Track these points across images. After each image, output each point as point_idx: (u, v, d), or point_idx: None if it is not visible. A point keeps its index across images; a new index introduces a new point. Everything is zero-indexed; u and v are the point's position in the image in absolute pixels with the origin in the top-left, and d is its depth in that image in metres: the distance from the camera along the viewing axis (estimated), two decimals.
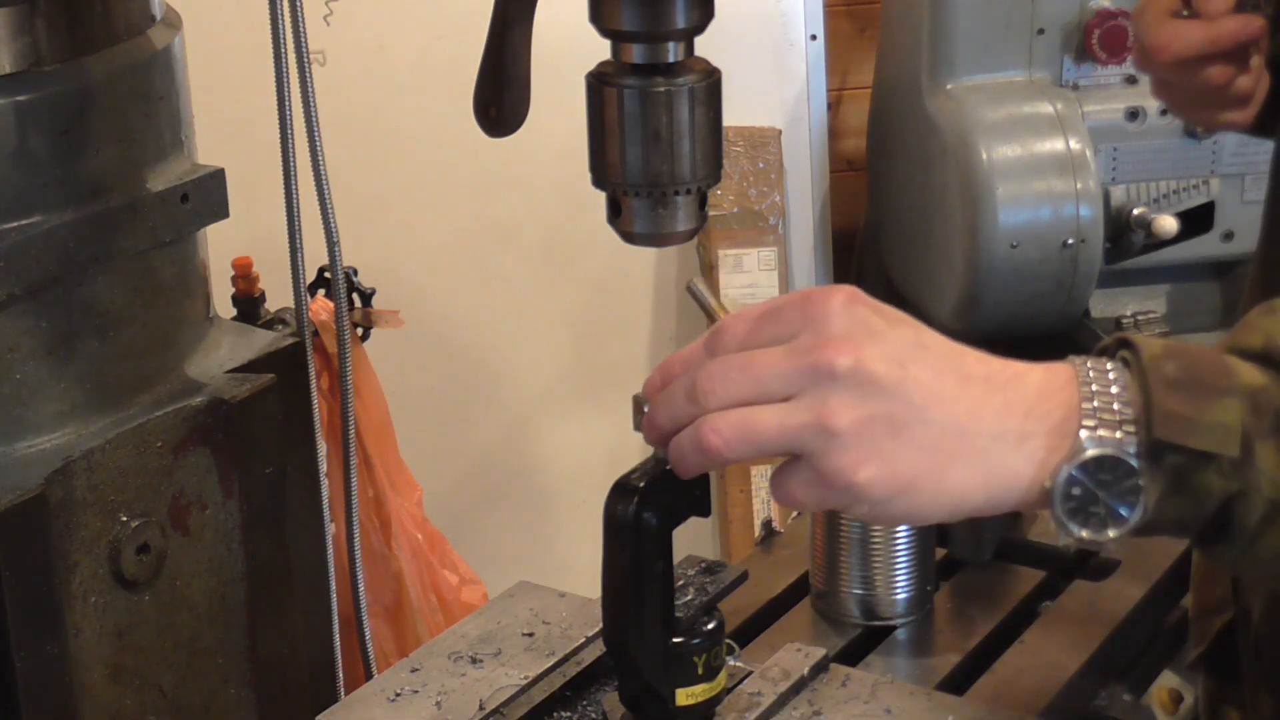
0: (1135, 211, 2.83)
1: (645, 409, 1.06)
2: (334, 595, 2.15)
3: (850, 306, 0.99)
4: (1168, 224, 2.81)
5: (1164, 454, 0.96)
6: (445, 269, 3.26)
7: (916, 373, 0.97)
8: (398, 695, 1.41)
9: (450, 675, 1.43)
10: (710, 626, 1.30)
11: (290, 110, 2.06)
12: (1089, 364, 0.99)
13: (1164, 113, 2.84)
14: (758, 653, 1.48)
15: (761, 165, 3.18)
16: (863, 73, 3.42)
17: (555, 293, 3.32)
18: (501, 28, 1.28)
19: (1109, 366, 0.99)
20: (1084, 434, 0.96)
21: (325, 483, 2.15)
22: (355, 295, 2.45)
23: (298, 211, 2.10)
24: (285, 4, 1.99)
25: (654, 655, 1.27)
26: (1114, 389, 0.97)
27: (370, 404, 2.45)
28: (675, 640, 1.28)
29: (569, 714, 1.41)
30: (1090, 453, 0.96)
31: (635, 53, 1.23)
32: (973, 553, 1.69)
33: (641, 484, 1.22)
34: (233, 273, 2.26)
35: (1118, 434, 0.96)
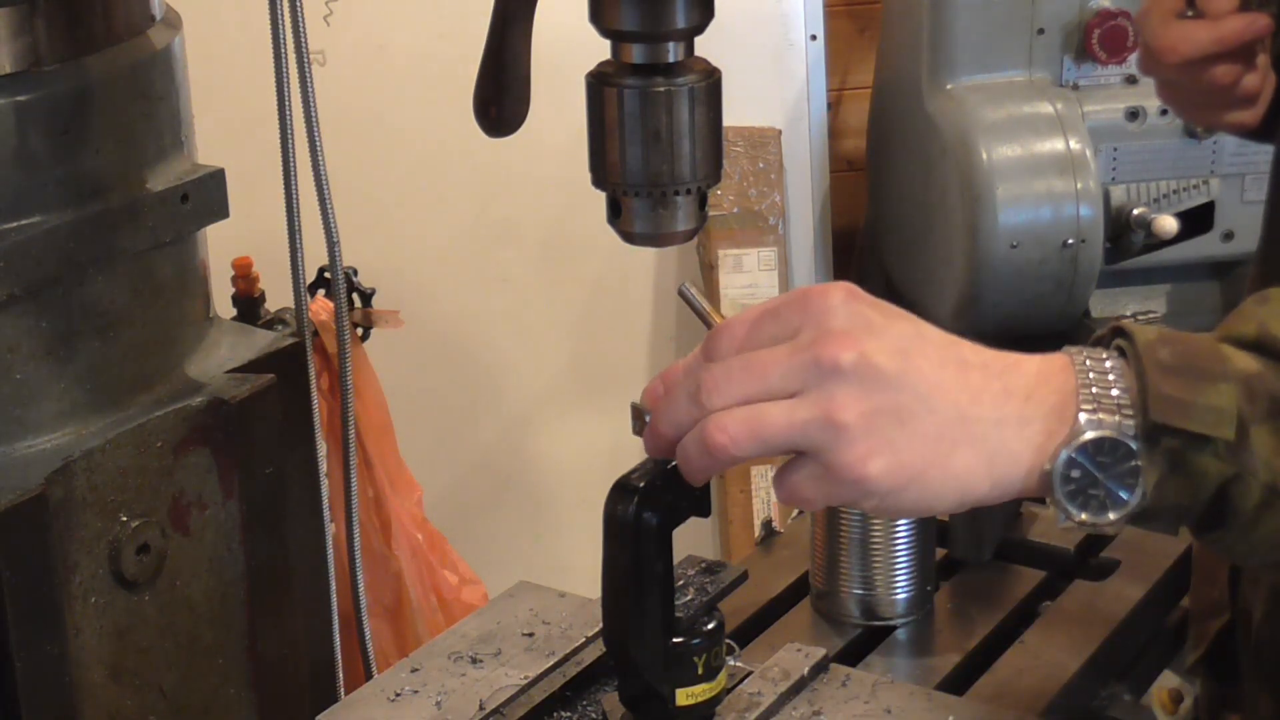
0: (1135, 211, 2.83)
1: (646, 419, 1.06)
2: (334, 595, 2.15)
3: (849, 302, 0.99)
4: (1168, 224, 2.81)
5: (1161, 436, 0.97)
6: (445, 269, 3.26)
7: (918, 363, 0.98)
8: (398, 695, 1.41)
9: (450, 675, 1.43)
10: (710, 626, 1.30)
11: (290, 110, 2.06)
12: (1085, 352, 1.00)
13: (1164, 113, 2.84)
14: (758, 653, 1.49)
15: (761, 165, 3.18)
16: (863, 73, 3.42)
17: (555, 293, 3.32)
18: (501, 27, 1.28)
19: (1105, 354, 1.00)
20: (1083, 417, 0.97)
21: (325, 483, 2.15)
22: (355, 295, 2.46)
23: (298, 211, 2.10)
24: (285, 4, 1.99)
25: (654, 655, 1.27)
26: (1110, 375, 0.98)
27: (370, 404, 2.46)
28: (675, 640, 1.28)
29: (569, 714, 1.41)
30: (1089, 435, 0.97)
31: (635, 53, 1.23)
32: (973, 553, 1.69)
33: (641, 484, 1.22)
34: (233, 273, 2.26)
35: (1116, 417, 0.97)
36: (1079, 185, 2.77)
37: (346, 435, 2.24)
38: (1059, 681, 1.50)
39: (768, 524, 1.78)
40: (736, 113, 2.73)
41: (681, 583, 1.31)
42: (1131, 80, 2.87)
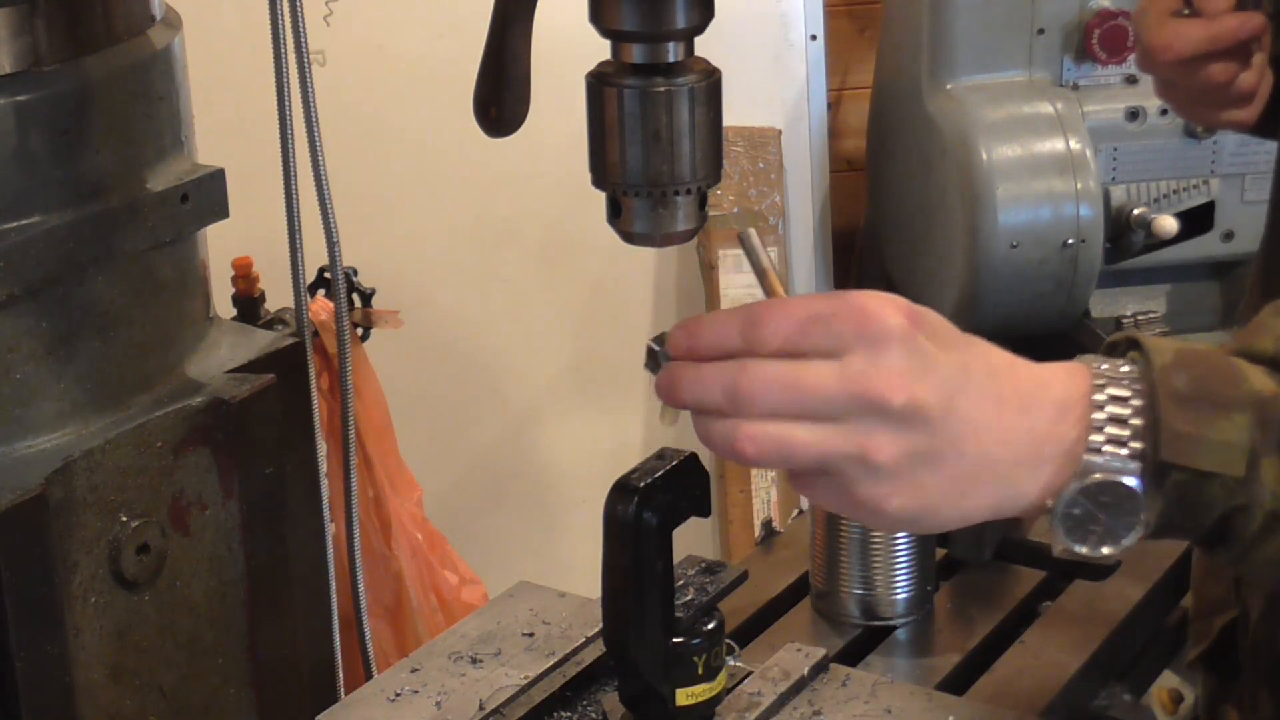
0: (1135, 211, 2.83)
1: (662, 361, 1.03)
2: (334, 595, 2.15)
3: (906, 330, 0.96)
4: (1168, 224, 2.81)
5: (1169, 472, 0.96)
6: (445, 269, 3.26)
7: (960, 403, 0.96)
8: (398, 695, 1.41)
9: (450, 675, 1.43)
10: (710, 626, 1.30)
11: (290, 110, 2.06)
12: (1104, 368, 0.99)
13: (1164, 113, 2.84)
14: (758, 653, 1.49)
15: (761, 165, 3.18)
16: (863, 73, 3.42)
17: (555, 292, 3.32)
18: (501, 27, 1.28)
19: (1122, 372, 0.99)
20: (1089, 457, 0.97)
21: (325, 483, 2.15)
22: (355, 295, 2.46)
23: (298, 211, 2.10)
24: (285, 4, 1.99)
25: (654, 655, 1.27)
26: (1125, 409, 0.97)
27: (370, 404, 2.46)
28: (675, 640, 1.28)
29: (569, 714, 1.41)
30: (1095, 477, 0.97)
31: (635, 53, 1.23)
32: (973, 553, 1.69)
33: (641, 484, 1.22)
34: (233, 273, 2.26)
35: (1124, 451, 0.96)
36: (1079, 185, 2.77)
37: (346, 435, 2.24)
38: (1059, 681, 1.50)
39: (768, 524, 1.78)
40: (736, 113, 2.73)
41: (681, 583, 1.31)
42: (1131, 80, 2.87)
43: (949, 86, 2.89)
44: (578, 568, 3.06)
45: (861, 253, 3.51)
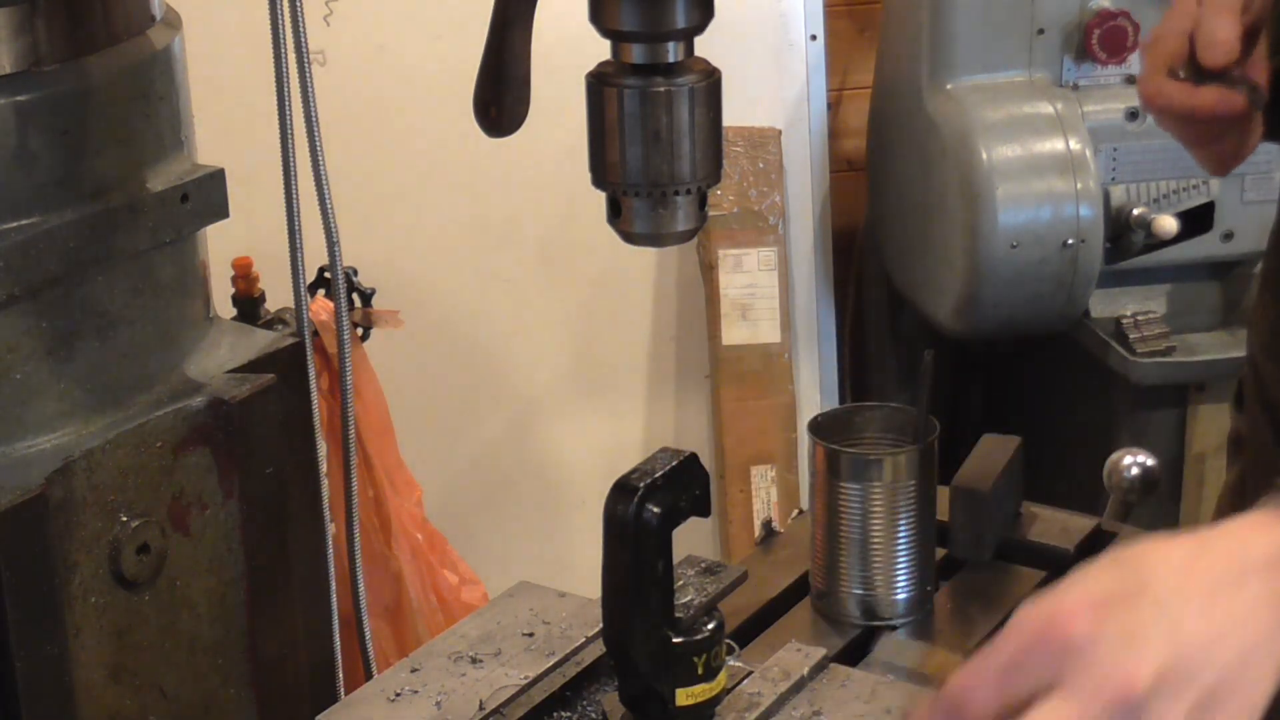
0: (1135, 211, 2.84)
1: None
2: (334, 595, 2.15)
3: (1096, 624, 0.91)
4: (1168, 224, 2.81)
5: None
6: (445, 269, 3.26)
7: (1188, 629, 0.92)
8: (398, 695, 1.41)
9: (450, 675, 1.43)
10: (710, 626, 1.30)
11: (290, 110, 2.06)
12: None
13: None
14: (758, 653, 1.48)
15: (761, 165, 3.18)
16: (863, 73, 3.42)
17: (555, 292, 3.32)
18: (501, 27, 1.28)
19: None
20: None
21: (325, 483, 2.15)
22: (355, 295, 2.46)
23: (298, 211, 2.10)
24: (285, 4, 1.99)
25: (654, 655, 1.27)
26: None
27: (370, 404, 2.46)
28: (675, 640, 1.28)
29: (569, 714, 1.41)
30: None
31: (635, 53, 1.23)
32: (973, 553, 1.69)
33: (641, 484, 1.22)
34: (233, 273, 2.26)
35: None
36: (1079, 185, 2.78)
37: (346, 435, 2.24)
38: None
39: (768, 524, 1.78)
40: (736, 113, 2.73)
41: (681, 583, 1.31)
42: (1131, 80, 2.87)
43: (949, 86, 2.89)
44: (578, 568, 3.07)
45: (861, 253, 3.51)
